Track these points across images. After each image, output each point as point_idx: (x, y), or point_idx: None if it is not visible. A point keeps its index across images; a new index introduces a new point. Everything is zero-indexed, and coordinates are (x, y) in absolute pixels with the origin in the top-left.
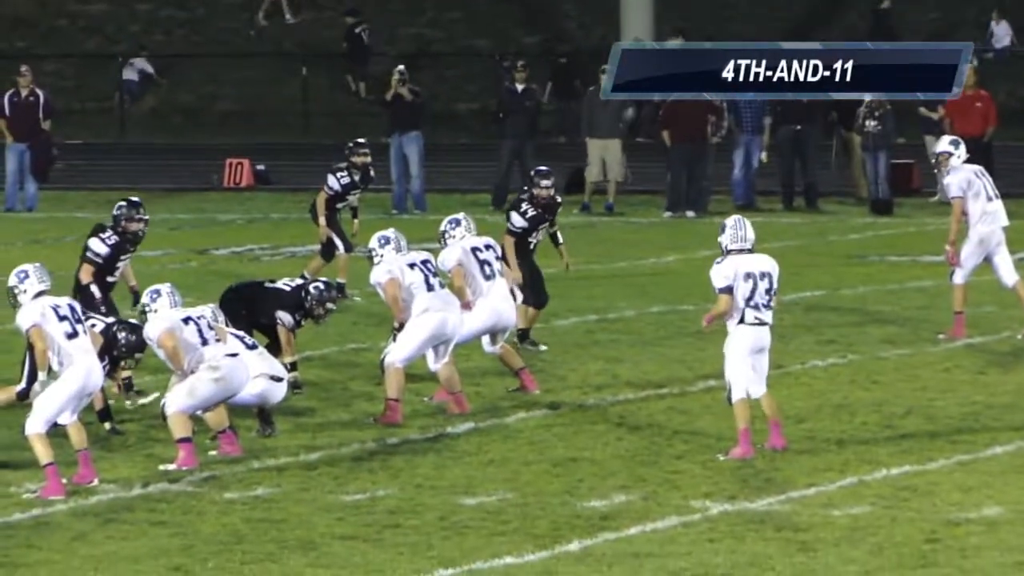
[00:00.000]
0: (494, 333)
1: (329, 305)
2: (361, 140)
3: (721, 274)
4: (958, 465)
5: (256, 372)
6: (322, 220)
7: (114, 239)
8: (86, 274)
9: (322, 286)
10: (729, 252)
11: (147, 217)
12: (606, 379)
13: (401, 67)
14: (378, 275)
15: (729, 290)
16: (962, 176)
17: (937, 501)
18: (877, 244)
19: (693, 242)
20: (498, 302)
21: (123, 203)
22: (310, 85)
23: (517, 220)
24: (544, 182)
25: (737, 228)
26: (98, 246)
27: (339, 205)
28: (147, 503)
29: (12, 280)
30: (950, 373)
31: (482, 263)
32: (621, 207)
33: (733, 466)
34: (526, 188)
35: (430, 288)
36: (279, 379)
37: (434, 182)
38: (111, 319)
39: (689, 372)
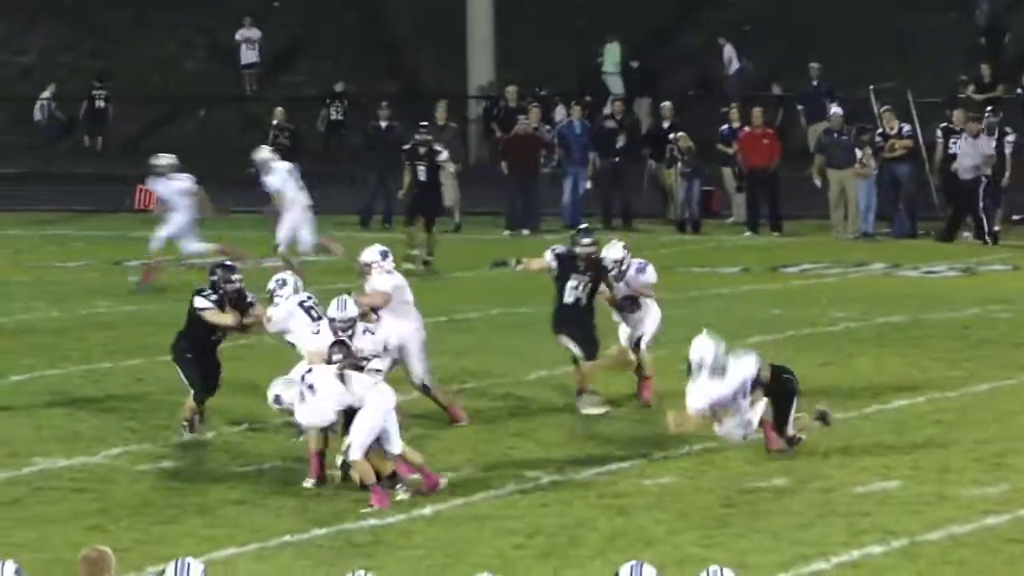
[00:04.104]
0: None
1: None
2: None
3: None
4: (751, 442)
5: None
6: None
7: (214, 297)
8: (217, 317)
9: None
10: None
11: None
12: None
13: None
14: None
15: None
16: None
17: (733, 473)
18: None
19: (528, 255)
20: None
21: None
22: (208, 123)
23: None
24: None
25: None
26: (201, 303)
27: None
28: (70, 472)
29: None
30: None
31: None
32: (468, 226)
33: (561, 441)
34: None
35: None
36: None
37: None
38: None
39: (524, 363)
